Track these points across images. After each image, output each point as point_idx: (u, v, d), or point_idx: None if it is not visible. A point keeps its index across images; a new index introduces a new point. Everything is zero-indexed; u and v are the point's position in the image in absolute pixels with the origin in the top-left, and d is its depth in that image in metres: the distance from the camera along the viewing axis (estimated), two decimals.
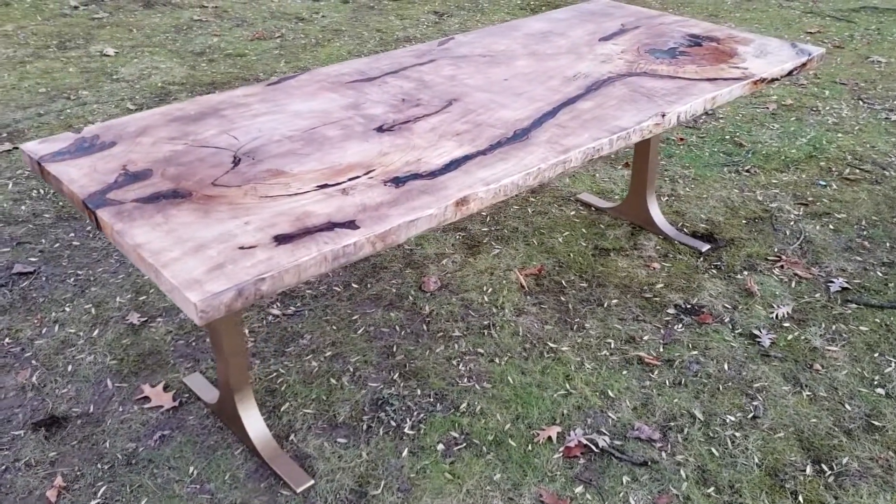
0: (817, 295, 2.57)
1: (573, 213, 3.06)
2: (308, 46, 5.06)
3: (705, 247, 2.81)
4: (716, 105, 2.14)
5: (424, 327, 2.42)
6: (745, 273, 2.68)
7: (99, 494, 1.87)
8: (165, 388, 2.18)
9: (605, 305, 2.52)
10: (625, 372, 2.24)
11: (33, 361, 2.29)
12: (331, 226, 1.50)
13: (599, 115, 1.99)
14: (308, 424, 2.07)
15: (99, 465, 1.95)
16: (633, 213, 2.97)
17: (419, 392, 2.17)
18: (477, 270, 2.70)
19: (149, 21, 5.59)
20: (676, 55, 2.40)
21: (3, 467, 1.94)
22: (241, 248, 1.44)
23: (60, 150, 1.82)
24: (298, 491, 1.87)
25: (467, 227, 2.96)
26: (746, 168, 3.41)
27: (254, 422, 1.99)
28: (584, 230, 2.94)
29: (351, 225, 1.51)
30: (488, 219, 3.01)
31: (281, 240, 1.46)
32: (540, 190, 3.24)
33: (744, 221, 3.00)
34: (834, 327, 2.41)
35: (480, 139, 1.86)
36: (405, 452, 1.98)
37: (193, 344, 2.35)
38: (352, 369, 2.25)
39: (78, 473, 1.92)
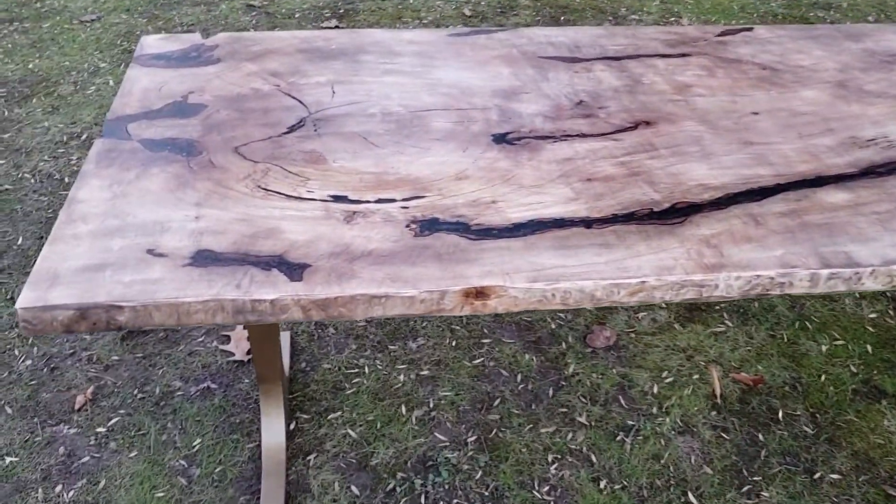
0: None
1: (875, 315, 2.11)
2: None
3: None
4: None
5: (550, 391, 1.86)
6: None
7: (109, 424, 1.75)
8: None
9: (816, 477, 1.69)
10: None
11: None
12: (273, 263, 1.07)
13: None
14: (340, 451, 1.71)
15: (135, 391, 1.83)
16: None
17: (478, 475, 1.66)
18: (673, 344, 1.99)
19: None
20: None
21: (62, 358, 1.92)
22: (150, 251, 1.08)
23: (164, 54, 1.60)
24: None
25: None
26: None
27: (272, 424, 1.69)
28: (869, 347, 2.01)
29: (295, 271, 1.05)
30: None
31: (199, 259, 1.07)
32: None
33: None
34: None
35: (613, 198, 1.21)
36: None
37: None
38: (432, 404, 1.81)
39: (111, 391, 1.83)
